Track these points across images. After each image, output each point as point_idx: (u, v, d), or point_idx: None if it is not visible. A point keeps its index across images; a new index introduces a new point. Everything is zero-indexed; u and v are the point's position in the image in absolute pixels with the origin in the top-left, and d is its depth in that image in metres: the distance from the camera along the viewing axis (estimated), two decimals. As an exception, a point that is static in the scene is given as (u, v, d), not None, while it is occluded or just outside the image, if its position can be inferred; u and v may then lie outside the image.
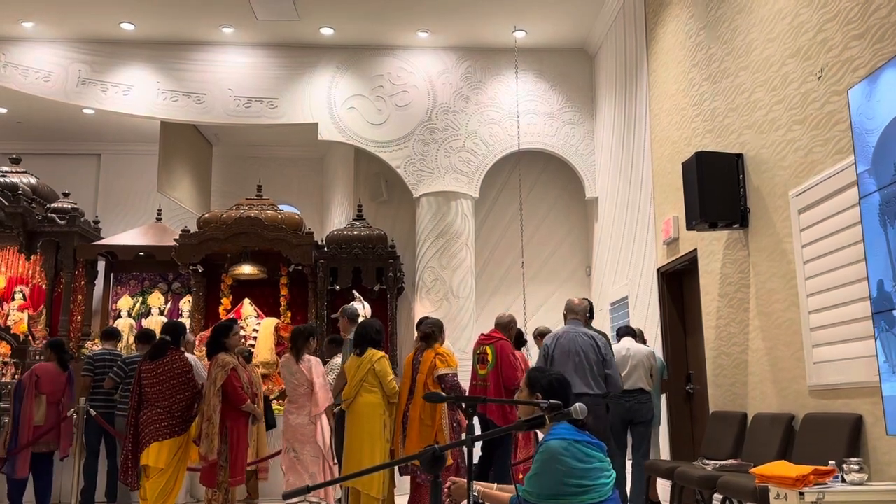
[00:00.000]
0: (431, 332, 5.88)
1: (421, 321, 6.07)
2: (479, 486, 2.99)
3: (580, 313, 5.93)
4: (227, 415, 5.66)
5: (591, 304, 6.18)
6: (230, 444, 5.66)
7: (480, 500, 2.97)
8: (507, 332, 6.37)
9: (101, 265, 10.67)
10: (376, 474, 5.39)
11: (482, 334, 6.46)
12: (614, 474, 2.91)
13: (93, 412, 6.84)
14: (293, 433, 5.89)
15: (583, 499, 2.78)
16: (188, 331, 7.46)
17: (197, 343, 8.79)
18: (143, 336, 7.08)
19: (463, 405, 5.88)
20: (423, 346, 5.87)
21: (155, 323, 10.22)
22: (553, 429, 2.86)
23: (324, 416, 5.89)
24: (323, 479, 5.73)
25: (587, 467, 2.81)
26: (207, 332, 9.05)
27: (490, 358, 6.16)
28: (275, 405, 8.27)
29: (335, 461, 6.08)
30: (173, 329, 6.09)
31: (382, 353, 5.66)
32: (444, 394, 5.59)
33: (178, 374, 5.82)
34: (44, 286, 10.21)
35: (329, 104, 10.30)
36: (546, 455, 2.83)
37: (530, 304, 10.45)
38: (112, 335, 7.51)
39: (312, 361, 5.94)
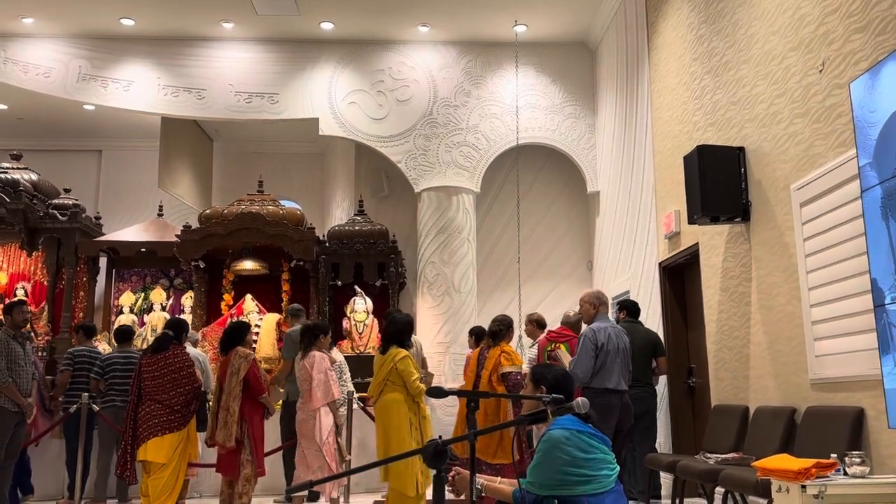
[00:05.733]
0: (499, 330, 6.07)
1: (494, 319, 6.22)
2: (481, 479, 3.00)
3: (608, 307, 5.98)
4: (244, 406, 5.72)
5: None
6: (253, 437, 5.73)
7: (483, 493, 2.98)
8: (576, 330, 6.45)
9: (103, 261, 10.68)
10: (410, 473, 5.19)
11: (550, 331, 6.52)
12: (618, 468, 2.90)
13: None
14: (298, 428, 5.97)
15: (585, 489, 2.77)
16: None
17: (200, 338, 8.80)
18: (120, 333, 7.19)
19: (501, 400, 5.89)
20: (489, 344, 6.08)
21: (157, 319, 10.25)
22: (556, 420, 2.87)
23: (324, 412, 5.89)
24: (324, 473, 5.74)
25: (589, 457, 2.81)
26: (209, 328, 9.07)
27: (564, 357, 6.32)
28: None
29: (346, 456, 6.15)
30: (177, 325, 6.20)
31: (405, 353, 5.46)
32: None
33: (180, 369, 5.88)
34: (45, 282, 10.22)
35: (330, 99, 10.29)
36: (548, 444, 2.83)
37: (532, 300, 10.45)
38: (91, 331, 7.59)
39: (316, 358, 5.97)
